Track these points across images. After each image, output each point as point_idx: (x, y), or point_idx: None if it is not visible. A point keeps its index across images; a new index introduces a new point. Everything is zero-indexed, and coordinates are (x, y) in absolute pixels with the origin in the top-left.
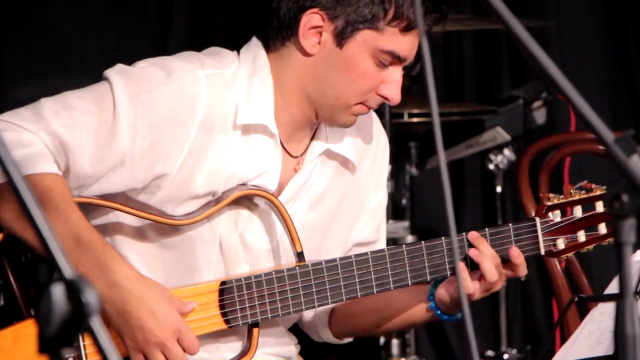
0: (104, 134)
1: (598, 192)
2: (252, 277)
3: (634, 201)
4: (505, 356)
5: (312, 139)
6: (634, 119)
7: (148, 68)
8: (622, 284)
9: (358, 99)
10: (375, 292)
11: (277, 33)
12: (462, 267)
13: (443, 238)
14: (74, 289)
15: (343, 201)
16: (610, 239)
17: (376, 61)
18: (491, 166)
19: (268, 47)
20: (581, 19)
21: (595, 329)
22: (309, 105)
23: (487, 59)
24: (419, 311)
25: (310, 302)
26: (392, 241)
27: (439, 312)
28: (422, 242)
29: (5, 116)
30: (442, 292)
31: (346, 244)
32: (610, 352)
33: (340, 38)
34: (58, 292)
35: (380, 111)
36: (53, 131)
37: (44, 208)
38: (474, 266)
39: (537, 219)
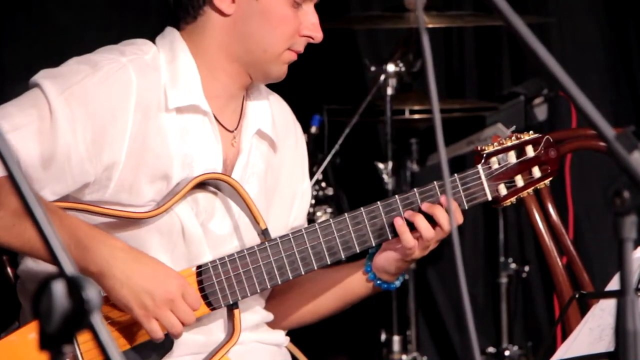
0: (46, 134)
1: (527, 137)
2: (226, 257)
3: (635, 198)
4: (507, 353)
5: (240, 117)
6: (634, 115)
7: (72, 65)
8: (623, 281)
9: (284, 44)
10: (343, 258)
11: (187, 8)
12: (400, 223)
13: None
14: (74, 286)
15: (277, 182)
16: (545, 181)
17: (290, 1)
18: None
19: (180, 28)
20: (582, 16)
21: (596, 325)
22: (238, 67)
23: (488, 56)
24: (358, 284)
25: (283, 274)
26: None
27: (379, 282)
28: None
29: None
30: (379, 260)
31: (286, 227)
32: (611, 349)
33: None
34: (59, 288)
35: (381, 108)
36: None
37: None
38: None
39: (479, 166)
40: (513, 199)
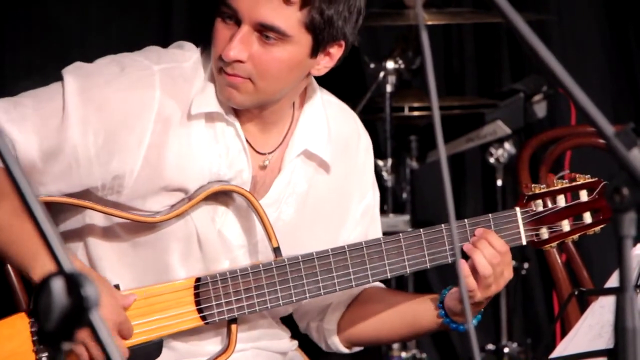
0: (53, 129)
1: (581, 181)
2: (228, 272)
3: (634, 195)
4: (506, 350)
5: (285, 137)
6: (634, 112)
7: (104, 64)
8: (623, 278)
9: (216, 63)
10: (353, 286)
11: None
12: (462, 264)
13: (422, 230)
14: (73, 283)
15: (326, 202)
16: (595, 229)
17: (221, 16)
18: (492, 160)
19: None
20: (582, 13)
21: (595, 322)
22: None
23: (487, 53)
24: (428, 319)
25: (287, 296)
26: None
27: (448, 320)
28: (399, 235)
29: None
30: (451, 300)
31: (334, 246)
32: (611, 346)
33: None
34: (58, 286)
35: (380, 105)
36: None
37: None
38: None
39: (518, 209)
40: (554, 244)
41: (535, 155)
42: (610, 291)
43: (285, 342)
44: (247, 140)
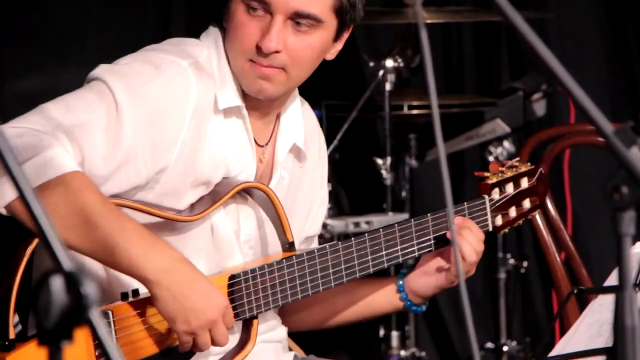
0: (111, 131)
1: (523, 169)
2: (257, 269)
3: (633, 193)
4: (505, 348)
5: (273, 130)
6: (633, 111)
7: (133, 64)
8: (622, 276)
9: (243, 55)
10: (358, 277)
11: (223, 15)
12: (453, 250)
13: (412, 220)
14: (72, 281)
15: (300, 194)
16: (533, 213)
17: (245, 7)
18: (491, 158)
19: (221, 28)
20: (581, 11)
21: (594, 320)
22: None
23: (486, 51)
24: (387, 302)
25: (304, 290)
26: None
27: (409, 303)
28: (396, 224)
29: (16, 122)
30: (414, 283)
31: (301, 236)
32: (610, 344)
33: None
34: (57, 284)
35: (379, 103)
36: (68, 132)
37: (78, 206)
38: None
39: (486, 197)
40: (506, 230)
41: (534, 154)
42: (609, 289)
43: (281, 330)
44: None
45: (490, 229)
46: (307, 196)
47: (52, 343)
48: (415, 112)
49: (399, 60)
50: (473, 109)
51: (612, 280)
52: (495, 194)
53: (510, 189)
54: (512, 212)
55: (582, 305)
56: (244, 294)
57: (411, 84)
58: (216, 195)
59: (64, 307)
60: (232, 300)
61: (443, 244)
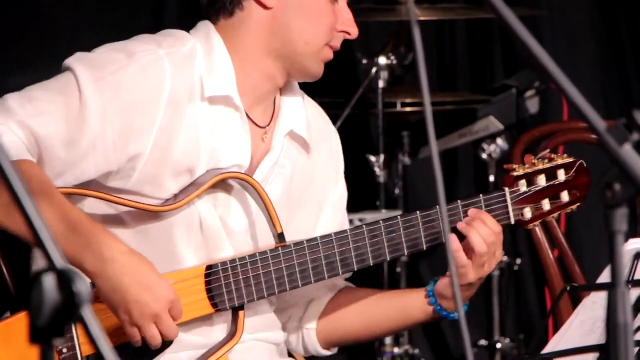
0: (73, 121)
1: (560, 161)
2: (237, 259)
3: (626, 190)
4: (499, 345)
5: (272, 115)
6: (626, 108)
7: (107, 53)
8: (614, 273)
9: (325, 38)
10: (355, 269)
11: (224, 3)
12: (453, 238)
13: (418, 212)
14: (65, 279)
15: (309, 187)
16: (573, 207)
17: None
18: (484, 155)
19: (216, 25)
20: (574, 9)
21: (587, 318)
22: (274, 63)
23: (480, 49)
24: (419, 309)
25: (293, 281)
26: None
27: (438, 308)
28: (399, 216)
29: None
30: (439, 286)
31: (311, 233)
32: (603, 342)
33: None
34: (49, 282)
35: (372, 101)
36: (22, 122)
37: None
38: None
39: (507, 189)
40: (537, 223)
41: (527, 151)
42: (602, 287)
43: (280, 333)
44: (247, 116)
45: (513, 222)
46: (317, 193)
47: (44, 341)
48: (408, 109)
49: (392, 57)
50: (466, 107)
51: (605, 277)
52: (523, 186)
53: (542, 181)
54: (546, 205)
55: (575, 302)
56: (223, 284)
57: (404, 82)
58: (199, 186)
59: (56, 304)
60: (209, 291)
61: (459, 237)
